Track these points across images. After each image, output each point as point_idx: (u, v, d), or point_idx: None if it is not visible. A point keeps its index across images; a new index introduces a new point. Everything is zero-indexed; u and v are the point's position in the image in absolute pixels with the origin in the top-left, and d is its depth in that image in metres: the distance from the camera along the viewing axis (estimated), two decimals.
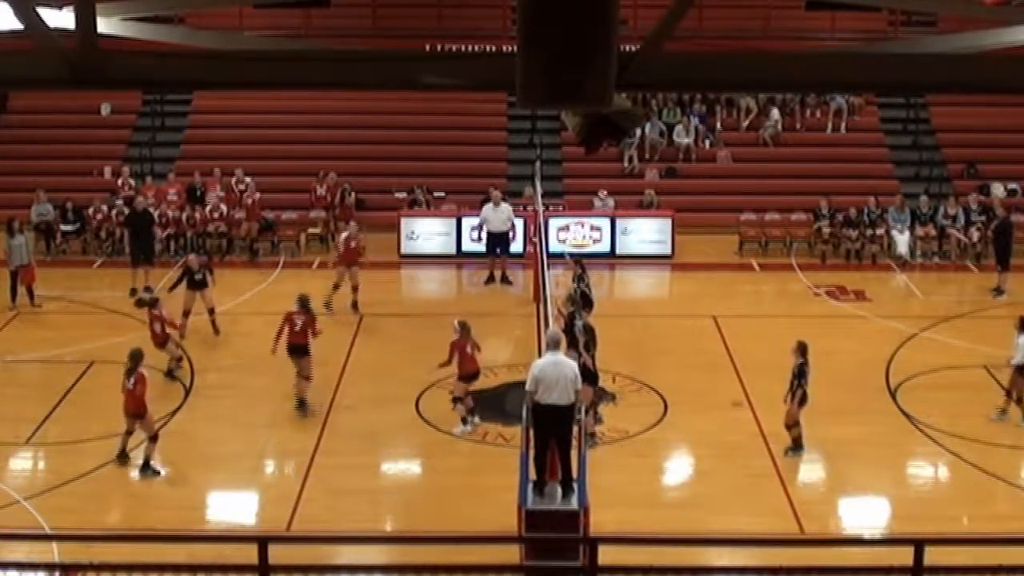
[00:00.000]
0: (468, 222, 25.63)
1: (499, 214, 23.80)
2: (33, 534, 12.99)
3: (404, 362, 17.79)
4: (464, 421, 16.77)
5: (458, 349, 16.63)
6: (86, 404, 17.63)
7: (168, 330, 18.27)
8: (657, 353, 19.75)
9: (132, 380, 15.26)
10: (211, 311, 20.34)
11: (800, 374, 15.48)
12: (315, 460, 15.72)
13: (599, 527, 12.36)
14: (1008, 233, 23.46)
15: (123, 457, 15.56)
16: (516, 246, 24.59)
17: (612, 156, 27.91)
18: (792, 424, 15.73)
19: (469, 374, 16.71)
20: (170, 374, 18.32)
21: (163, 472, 15.43)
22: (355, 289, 21.46)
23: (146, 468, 15.37)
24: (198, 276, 20.15)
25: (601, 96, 5.59)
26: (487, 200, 24.06)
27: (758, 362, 19.04)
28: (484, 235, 24.21)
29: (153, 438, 15.45)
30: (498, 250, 23.85)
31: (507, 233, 23.94)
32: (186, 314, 19.92)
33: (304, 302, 17.45)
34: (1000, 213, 24.31)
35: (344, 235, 22.04)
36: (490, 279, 23.78)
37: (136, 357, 15.47)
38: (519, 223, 25.39)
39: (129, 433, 15.51)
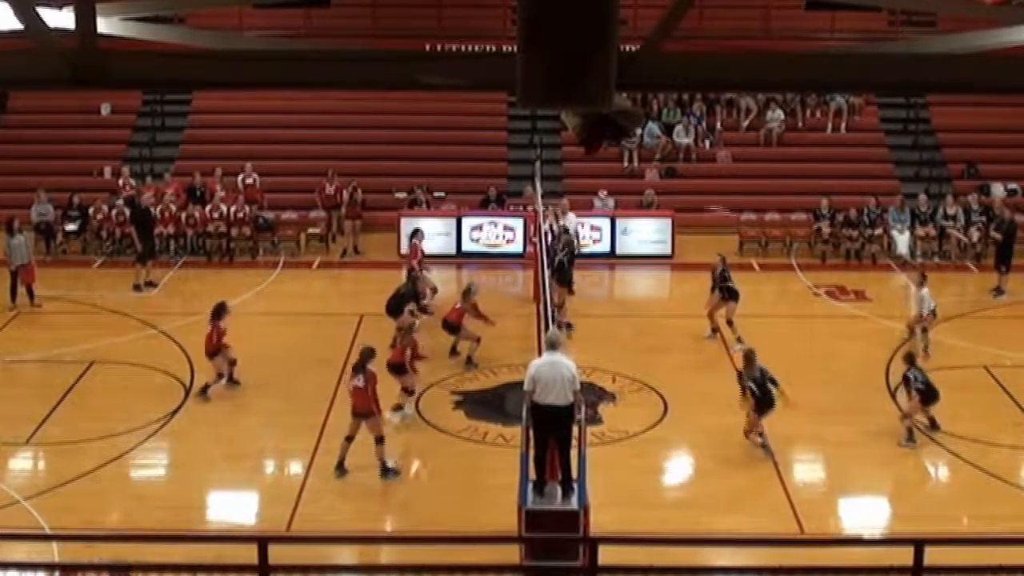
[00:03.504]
0: (468, 222, 25.64)
1: (569, 222, 23.56)
2: (33, 534, 13.00)
3: None
4: (396, 408, 16.78)
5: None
6: (86, 404, 17.63)
7: (220, 344, 17.62)
8: (657, 353, 19.74)
9: (363, 378, 14.99)
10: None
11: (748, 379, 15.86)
12: (315, 460, 15.71)
13: (599, 527, 12.36)
14: (1012, 234, 23.46)
15: (341, 468, 15.11)
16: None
17: (612, 156, 27.91)
18: (749, 431, 15.93)
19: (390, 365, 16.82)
20: (217, 383, 17.69)
21: (400, 472, 15.26)
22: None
23: (386, 472, 15.08)
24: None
25: (601, 96, 5.59)
26: (489, 200, 23.92)
27: None
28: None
29: (380, 439, 15.10)
30: None
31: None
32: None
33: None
34: (1006, 215, 24.28)
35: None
36: None
37: (366, 355, 15.21)
38: (519, 223, 25.41)
39: (350, 439, 15.09)
